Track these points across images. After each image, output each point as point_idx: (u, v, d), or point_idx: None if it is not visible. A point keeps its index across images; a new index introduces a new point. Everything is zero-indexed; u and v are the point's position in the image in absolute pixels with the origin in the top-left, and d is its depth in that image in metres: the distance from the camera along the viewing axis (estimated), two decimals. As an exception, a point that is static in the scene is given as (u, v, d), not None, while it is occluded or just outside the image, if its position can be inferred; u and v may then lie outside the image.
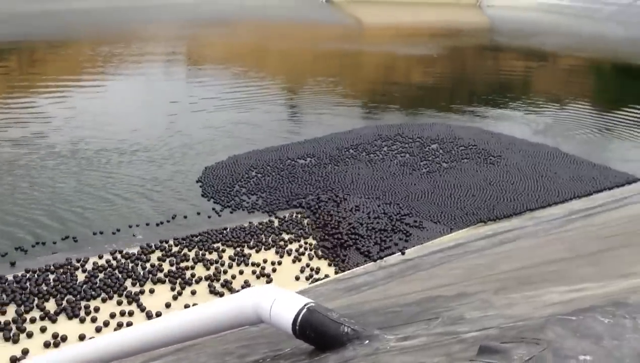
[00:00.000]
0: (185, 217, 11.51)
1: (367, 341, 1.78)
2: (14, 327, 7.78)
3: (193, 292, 8.85)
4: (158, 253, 9.78)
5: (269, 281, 9.18)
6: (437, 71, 28.69)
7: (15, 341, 7.57)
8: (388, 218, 11.38)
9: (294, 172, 13.79)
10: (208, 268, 9.48)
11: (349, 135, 16.64)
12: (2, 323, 7.81)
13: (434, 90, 24.90)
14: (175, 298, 8.69)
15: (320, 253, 10.23)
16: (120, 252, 9.70)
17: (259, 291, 2.10)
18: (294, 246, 10.40)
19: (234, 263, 9.71)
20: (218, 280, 9.20)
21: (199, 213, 11.74)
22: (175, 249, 9.96)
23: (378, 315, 2.61)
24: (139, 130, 16.85)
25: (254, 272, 9.52)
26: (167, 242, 10.13)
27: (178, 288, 8.91)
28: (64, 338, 7.62)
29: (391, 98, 22.69)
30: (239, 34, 38.75)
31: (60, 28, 37.22)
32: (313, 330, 1.86)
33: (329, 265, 9.88)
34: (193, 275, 9.22)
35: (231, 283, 9.07)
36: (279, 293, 2.02)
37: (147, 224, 11.06)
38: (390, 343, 1.73)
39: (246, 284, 8.98)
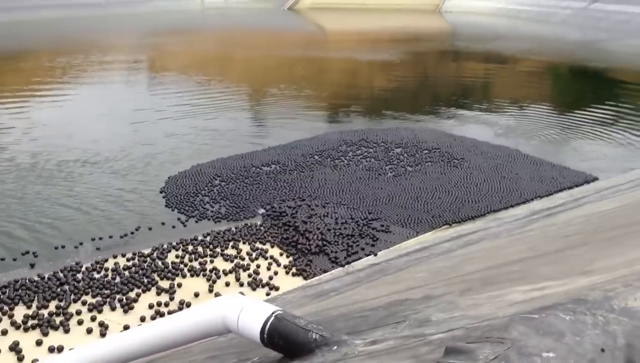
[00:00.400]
0: (150, 228, 11.33)
1: (335, 347, 1.79)
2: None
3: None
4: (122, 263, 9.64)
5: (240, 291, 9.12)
6: (400, 76, 28.98)
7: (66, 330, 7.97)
8: (355, 224, 11.42)
9: (258, 179, 13.75)
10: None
11: (314, 142, 16.67)
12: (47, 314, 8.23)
13: (397, 95, 25.14)
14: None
15: (285, 260, 10.19)
16: (78, 263, 9.56)
17: (226, 301, 2.09)
18: (258, 254, 10.31)
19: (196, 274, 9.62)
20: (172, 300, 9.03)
21: (163, 224, 11.58)
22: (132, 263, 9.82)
23: (346, 320, 2.62)
24: (100, 140, 16.57)
25: (212, 281, 9.41)
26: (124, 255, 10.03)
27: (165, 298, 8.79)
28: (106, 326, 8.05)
29: (355, 103, 22.84)
30: (200, 42, 38.51)
31: (17, 39, 36.46)
32: (281, 338, 1.86)
33: (295, 272, 9.83)
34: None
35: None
36: (246, 302, 2.01)
37: (111, 237, 10.86)
38: (358, 348, 1.74)
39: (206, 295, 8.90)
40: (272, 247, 10.67)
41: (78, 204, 12.34)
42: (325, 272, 9.67)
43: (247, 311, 1.97)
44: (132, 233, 11.06)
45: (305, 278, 9.54)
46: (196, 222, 11.76)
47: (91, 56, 31.30)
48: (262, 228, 11.29)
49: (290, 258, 10.23)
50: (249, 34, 42.62)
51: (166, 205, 12.47)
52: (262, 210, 12.09)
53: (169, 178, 13.82)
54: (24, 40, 36.38)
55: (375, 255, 10.06)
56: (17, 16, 42.70)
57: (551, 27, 47.85)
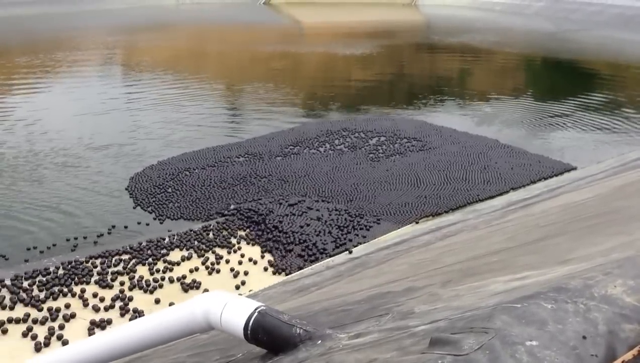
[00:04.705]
0: (113, 226, 11.07)
1: (319, 341, 1.79)
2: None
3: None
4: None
5: (206, 290, 9.03)
6: (377, 69, 29.03)
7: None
8: (333, 217, 11.42)
9: (233, 173, 13.64)
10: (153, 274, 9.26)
11: (290, 134, 16.66)
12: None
13: (374, 87, 25.19)
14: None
15: (262, 256, 10.15)
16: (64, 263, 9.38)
17: (208, 297, 2.08)
18: (233, 252, 10.20)
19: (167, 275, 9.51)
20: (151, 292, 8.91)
21: (139, 223, 11.40)
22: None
23: (329, 314, 2.62)
24: (68, 138, 16.37)
25: (186, 285, 9.32)
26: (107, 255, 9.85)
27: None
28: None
29: (332, 97, 22.84)
30: (175, 38, 38.17)
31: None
32: (265, 333, 1.86)
33: (274, 269, 9.79)
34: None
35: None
36: (229, 298, 2.00)
37: (75, 238, 10.60)
38: (342, 342, 1.74)
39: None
40: (247, 244, 10.58)
41: (44, 205, 12.05)
42: (301, 268, 9.63)
43: (230, 307, 1.95)
44: (102, 234, 10.79)
45: (286, 274, 9.52)
46: (160, 223, 11.46)
47: (63, 52, 30.84)
48: (234, 224, 11.16)
49: (268, 255, 10.19)
50: (224, 29, 42.35)
51: (134, 205, 12.18)
52: (233, 206, 11.81)
53: (135, 174, 13.62)
54: (-6, 38, 35.71)
55: (351, 252, 9.94)
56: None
57: (525, 20, 48.32)
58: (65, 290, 8.64)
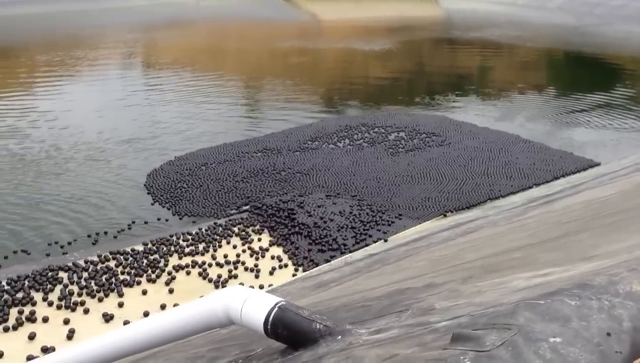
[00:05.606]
0: (133, 222, 11.16)
1: (339, 336, 1.78)
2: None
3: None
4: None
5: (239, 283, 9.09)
6: (396, 64, 28.91)
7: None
8: (355, 213, 11.39)
9: (251, 168, 13.65)
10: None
11: (309, 129, 16.66)
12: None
13: (393, 83, 25.10)
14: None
15: (282, 252, 10.16)
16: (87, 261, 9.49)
17: (229, 292, 2.08)
18: (251, 247, 10.22)
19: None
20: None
21: (159, 219, 11.48)
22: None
23: (348, 310, 2.61)
24: (89, 132, 16.56)
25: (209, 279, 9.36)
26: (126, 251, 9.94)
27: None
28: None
29: (351, 92, 22.79)
30: (194, 34, 38.35)
31: (9, 34, 36.26)
32: (285, 328, 1.86)
33: (293, 264, 9.81)
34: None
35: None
36: (249, 293, 2.00)
37: (97, 234, 10.70)
38: (362, 337, 1.73)
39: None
40: (266, 238, 10.59)
41: (65, 200, 12.22)
42: (324, 262, 9.63)
43: (251, 302, 1.96)
44: (123, 230, 10.90)
45: (304, 270, 9.53)
46: (180, 218, 11.54)
47: (83, 50, 31.14)
48: (253, 219, 11.17)
49: (285, 249, 10.20)
50: (244, 25, 42.45)
51: (152, 202, 12.27)
52: (246, 207, 11.73)
53: (153, 170, 13.74)
54: (16, 35, 36.17)
55: (386, 241, 10.01)
56: (9, 11, 42.44)
57: (547, 14, 47.75)
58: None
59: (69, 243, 10.32)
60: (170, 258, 9.67)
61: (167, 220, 11.45)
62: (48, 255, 9.87)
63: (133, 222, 11.22)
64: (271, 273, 9.52)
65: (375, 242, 10.28)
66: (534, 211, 9.14)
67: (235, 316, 2.00)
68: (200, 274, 9.31)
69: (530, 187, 12.70)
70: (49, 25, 39.77)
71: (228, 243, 10.31)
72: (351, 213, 11.37)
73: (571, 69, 29.98)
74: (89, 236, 10.64)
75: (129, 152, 15.09)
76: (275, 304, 1.90)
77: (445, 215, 11.38)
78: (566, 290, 1.57)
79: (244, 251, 10.08)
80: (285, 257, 9.97)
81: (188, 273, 9.37)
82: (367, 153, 14.76)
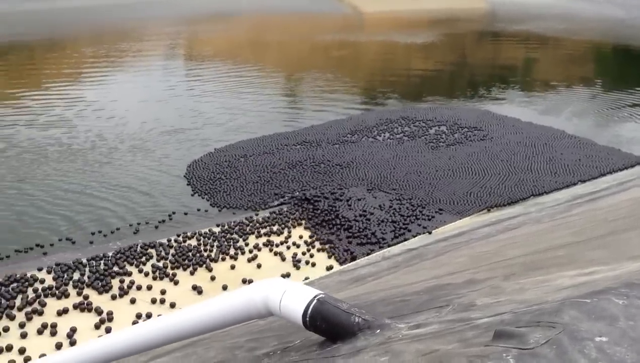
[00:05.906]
0: (173, 213, 11.33)
1: (378, 330, 1.77)
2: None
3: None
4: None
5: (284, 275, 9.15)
6: (438, 58, 28.58)
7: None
8: (391, 206, 11.32)
9: (290, 160, 13.70)
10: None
11: (349, 123, 16.62)
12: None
13: (435, 76, 24.84)
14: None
15: (320, 245, 10.16)
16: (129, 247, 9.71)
17: (268, 284, 2.09)
18: (293, 239, 10.28)
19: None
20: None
21: (198, 210, 11.63)
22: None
23: (387, 304, 2.59)
24: (133, 123, 16.87)
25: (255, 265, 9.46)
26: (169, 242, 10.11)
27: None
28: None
29: (392, 86, 22.64)
30: (236, 27, 38.64)
31: (56, 27, 37.15)
32: (324, 321, 1.85)
33: (329, 257, 9.81)
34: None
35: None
36: (288, 285, 2.00)
37: (138, 223, 10.92)
38: (402, 332, 1.71)
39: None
40: (304, 231, 10.65)
41: (107, 191, 12.51)
42: (360, 256, 9.61)
43: (290, 294, 1.96)
44: (163, 221, 11.10)
45: (341, 263, 9.53)
46: (219, 210, 11.65)
47: (127, 43, 31.70)
48: (291, 211, 11.25)
49: (323, 241, 10.21)
50: (284, 18, 42.57)
51: (192, 192, 12.45)
52: (287, 198, 11.81)
53: (194, 161, 13.90)
54: (63, 28, 37.03)
55: (430, 233, 9.97)
56: (57, 4, 43.47)
57: (594, 6, 46.49)
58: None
59: (112, 232, 10.58)
60: (207, 249, 9.82)
61: (206, 211, 11.58)
62: (91, 242, 10.12)
63: (174, 213, 11.40)
64: (306, 264, 9.55)
65: (414, 236, 10.20)
66: (578, 208, 8.94)
67: (274, 307, 2.01)
68: (249, 261, 9.43)
69: (575, 184, 12.41)
70: (95, 19, 40.60)
71: (264, 234, 10.38)
72: (391, 207, 11.30)
73: (619, 62, 29.13)
74: (130, 225, 10.88)
75: (171, 143, 15.31)
76: (315, 296, 1.90)
77: (489, 210, 11.22)
78: (613, 289, 1.53)
79: (282, 242, 10.13)
80: (323, 250, 9.98)
81: (232, 267, 9.50)
82: (408, 147, 14.64)
